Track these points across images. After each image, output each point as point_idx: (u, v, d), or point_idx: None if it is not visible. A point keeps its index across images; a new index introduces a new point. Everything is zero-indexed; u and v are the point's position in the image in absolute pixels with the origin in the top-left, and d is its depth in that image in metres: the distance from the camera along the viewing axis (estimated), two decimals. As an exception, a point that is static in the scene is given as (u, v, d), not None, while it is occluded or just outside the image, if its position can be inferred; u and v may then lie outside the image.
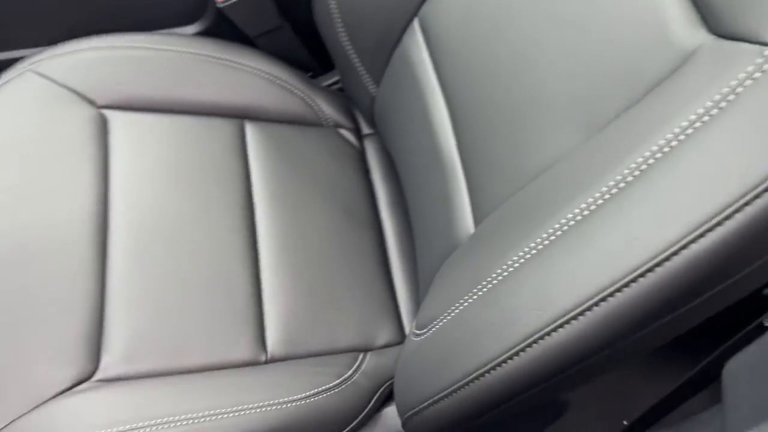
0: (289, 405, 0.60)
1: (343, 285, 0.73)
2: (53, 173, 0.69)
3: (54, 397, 0.58)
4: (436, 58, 0.65)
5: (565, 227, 0.40)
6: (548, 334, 0.38)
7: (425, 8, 0.67)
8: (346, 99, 0.89)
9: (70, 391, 0.59)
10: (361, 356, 0.68)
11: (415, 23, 0.68)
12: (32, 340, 0.60)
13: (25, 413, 0.57)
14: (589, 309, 0.37)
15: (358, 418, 0.64)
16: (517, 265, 0.43)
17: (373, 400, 0.65)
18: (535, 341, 0.38)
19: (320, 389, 0.62)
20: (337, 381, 0.64)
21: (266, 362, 0.66)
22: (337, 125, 0.86)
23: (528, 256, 0.42)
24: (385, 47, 0.73)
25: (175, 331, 0.64)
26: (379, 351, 0.70)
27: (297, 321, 0.69)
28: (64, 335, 0.61)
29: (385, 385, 0.67)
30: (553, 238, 0.41)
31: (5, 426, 0.56)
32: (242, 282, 0.69)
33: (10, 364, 0.59)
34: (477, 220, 0.57)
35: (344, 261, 0.75)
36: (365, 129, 0.88)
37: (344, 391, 0.64)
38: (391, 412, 0.66)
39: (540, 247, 0.42)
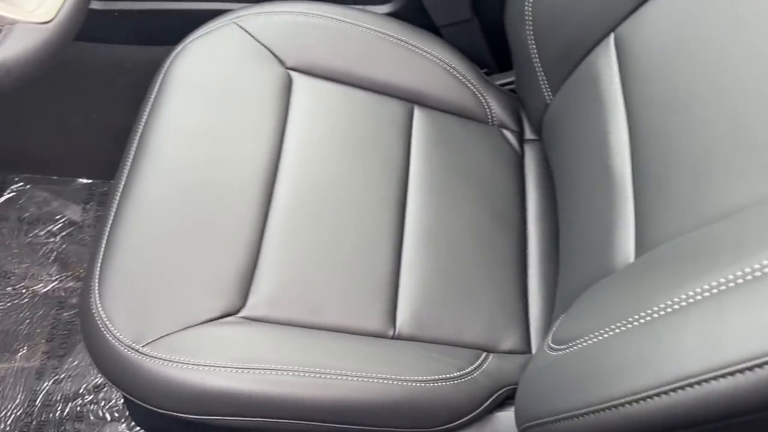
0: (409, 384, 0.62)
1: (478, 282, 0.74)
2: (239, 120, 0.75)
3: (203, 323, 0.64)
4: (627, 77, 0.63)
5: (749, 277, 0.39)
6: (711, 380, 0.36)
7: (625, 25, 0.65)
8: (516, 101, 0.89)
9: (218, 321, 0.64)
10: (483, 355, 0.69)
11: (611, 38, 0.67)
12: (194, 266, 0.66)
13: (175, 331, 0.63)
14: (760, 366, 0.35)
15: (470, 415, 0.64)
16: (685, 303, 0.41)
17: (488, 401, 0.65)
18: (693, 384, 0.37)
19: (441, 377, 0.64)
20: (458, 373, 0.65)
21: (392, 338, 0.68)
22: (502, 125, 0.86)
23: (699, 297, 0.41)
24: (572, 57, 0.72)
25: (315, 287, 0.68)
26: (502, 355, 0.70)
27: (428, 306, 0.70)
28: (222, 268, 0.66)
29: (503, 390, 0.67)
30: (732, 284, 0.39)
31: (157, 339, 0.62)
32: (384, 256, 0.71)
33: (170, 283, 0.66)
34: (639, 249, 0.55)
35: (483, 259, 0.76)
36: (529, 134, 0.88)
37: (462, 385, 0.64)
38: (503, 417, 0.67)
39: (715, 291, 0.40)
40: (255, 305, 0.66)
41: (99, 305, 0.64)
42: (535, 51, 0.76)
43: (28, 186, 1.19)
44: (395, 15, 0.90)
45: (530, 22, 0.75)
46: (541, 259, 0.78)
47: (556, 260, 0.75)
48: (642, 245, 0.55)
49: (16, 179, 1.20)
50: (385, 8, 0.90)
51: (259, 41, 0.81)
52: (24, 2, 0.53)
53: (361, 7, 0.89)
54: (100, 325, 0.63)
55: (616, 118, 0.63)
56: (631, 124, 0.62)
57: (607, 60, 0.67)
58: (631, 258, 0.56)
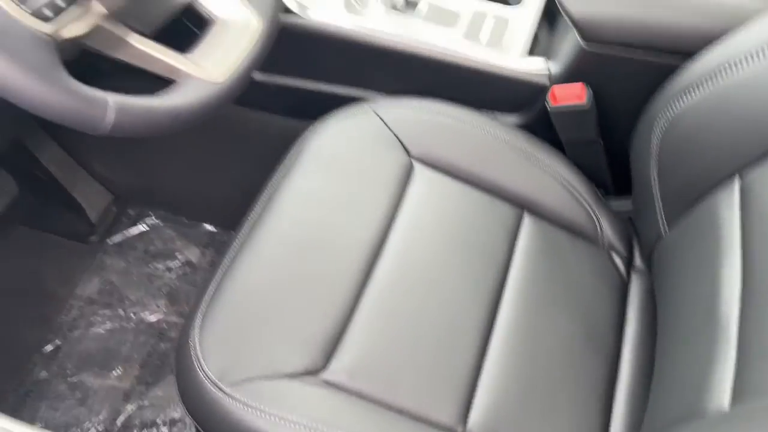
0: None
1: (561, 400, 0.72)
2: (359, 193, 0.80)
3: (285, 376, 0.67)
4: (748, 221, 0.62)
5: None
6: None
7: (752, 169, 0.65)
8: (629, 226, 0.88)
9: (298, 377, 0.67)
10: None
11: (735, 180, 0.66)
12: (288, 319, 0.70)
13: (258, 377, 0.66)
14: None
15: None
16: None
17: None
18: None
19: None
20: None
21: (461, 436, 0.67)
22: (612, 248, 0.86)
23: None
24: (693, 194, 0.72)
25: (396, 366, 0.69)
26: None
27: (504, 412, 0.69)
28: (313, 327, 0.69)
29: None
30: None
31: (240, 381, 0.66)
32: (468, 351, 0.72)
33: (263, 331, 0.69)
34: (735, 398, 0.53)
35: (569, 377, 0.74)
36: (638, 261, 0.86)
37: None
38: None
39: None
40: (336, 370, 0.68)
41: (196, 340, 0.69)
42: (657, 182, 0.77)
43: (159, 222, 1.31)
44: (523, 126, 0.94)
45: (656, 155, 0.76)
46: (630, 388, 0.75)
47: (646, 393, 0.72)
48: (739, 395, 0.52)
49: (151, 214, 1.32)
50: (514, 118, 0.95)
51: (390, 128, 0.87)
52: (202, 60, 0.62)
53: (490, 113, 0.93)
54: (193, 358, 0.67)
55: (731, 262, 0.62)
56: (746, 270, 0.60)
57: (729, 201, 0.66)
58: (726, 407, 0.53)
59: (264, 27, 0.67)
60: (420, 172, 0.85)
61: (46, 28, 0.49)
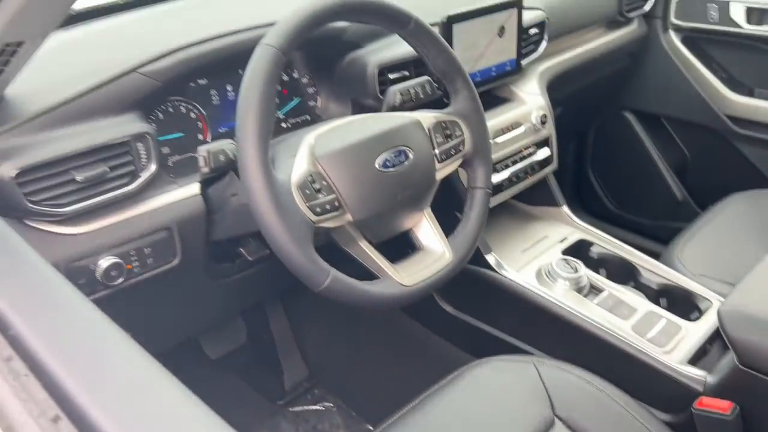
0: None
1: None
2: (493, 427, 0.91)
3: None
4: None
5: None
6: None
7: None
8: None
9: None
10: None
11: None
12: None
13: None
14: None
15: None
16: None
17: None
18: None
19: None
20: None
21: None
22: None
23: None
24: None
25: None
26: None
27: None
28: None
29: None
30: None
31: None
32: None
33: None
34: None
35: None
36: None
37: None
38: None
39: None
40: None
41: None
42: None
43: (333, 407, 1.50)
44: (671, 425, 0.97)
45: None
46: None
47: None
48: None
49: (330, 399, 1.52)
50: (664, 416, 1.00)
51: (543, 382, 0.98)
52: (401, 270, 0.84)
53: (644, 406, 0.99)
54: None
55: None
56: None
57: None
58: None
59: (454, 261, 0.88)
60: (559, 429, 0.93)
61: (313, 218, 0.77)
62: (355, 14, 0.83)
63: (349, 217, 0.80)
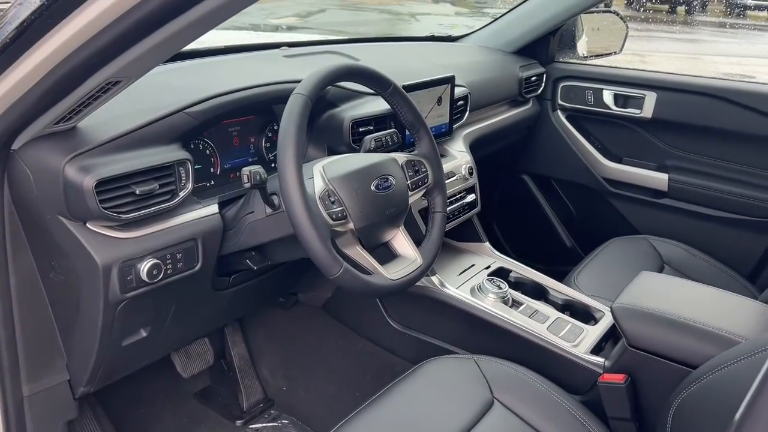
0: None
1: None
2: (439, 415, 1.15)
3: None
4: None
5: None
6: None
7: None
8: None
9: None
10: None
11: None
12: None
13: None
14: None
15: None
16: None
17: None
18: None
19: None
20: None
21: None
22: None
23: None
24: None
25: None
26: None
27: None
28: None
29: None
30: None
31: None
32: None
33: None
34: None
35: None
36: None
37: None
38: None
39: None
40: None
41: None
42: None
43: (290, 425, 1.67)
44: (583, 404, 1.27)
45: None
46: None
47: None
48: None
49: (287, 418, 1.69)
50: (577, 397, 1.29)
51: (483, 375, 1.23)
52: (389, 268, 1.09)
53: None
54: None
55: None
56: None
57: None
58: None
59: (425, 264, 1.14)
60: (498, 408, 1.18)
61: (330, 221, 1.00)
62: (356, 77, 1.11)
63: (351, 225, 1.05)
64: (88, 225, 0.98)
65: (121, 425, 1.50)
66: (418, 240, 1.19)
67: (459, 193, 1.61)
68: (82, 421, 1.33)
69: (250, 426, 1.66)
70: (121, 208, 0.97)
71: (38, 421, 1.11)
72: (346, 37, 2.08)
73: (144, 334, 1.15)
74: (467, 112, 1.72)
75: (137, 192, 0.98)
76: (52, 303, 1.08)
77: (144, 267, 1.02)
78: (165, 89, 1.15)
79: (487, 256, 1.67)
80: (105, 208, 0.94)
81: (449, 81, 1.56)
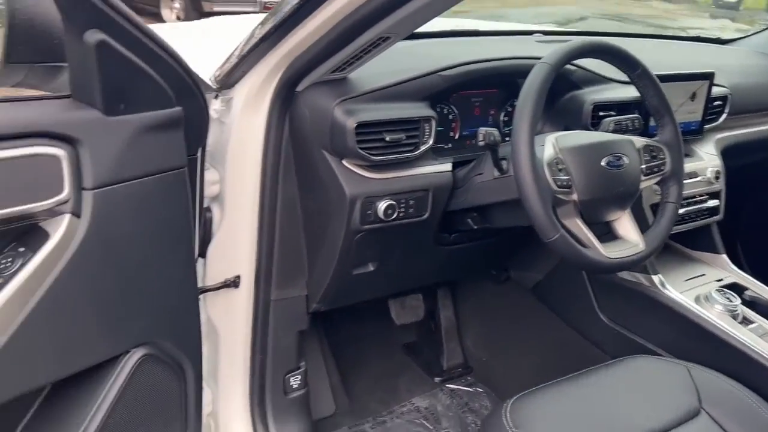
0: None
1: None
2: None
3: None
4: None
5: None
6: None
7: None
8: None
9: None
10: None
11: None
12: None
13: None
14: None
15: None
16: None
17: None
18: None
19: None
20: None
21: None
22: None
23: None
24: None
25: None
26: None
27: None
28: None
29: None
30: None
31: None
32: None
33: None
34: None
35: None
36: None
37: None
38: None
39: None
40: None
41: None
42: None
43: (484, 393, 1.73)
44: None
45: None
46: None
47: None
48: None
49: (480, 385, 1.76)
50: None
51: (694, 382, 1.16)
52: (608, 247, 1.08)
53: None
54: None
55: None
56: None
57: None
58: None
59: (647, 251, 1.11)
60: (703, 419, 1.10)
61: (554, 187, 1.01)
62: (604, 54, 1.13)
63: (575, 196, 1.07)
64: (343, 162, 1.14)
65: (336, 353, 1.70)
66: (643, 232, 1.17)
67: (699, 195, 1.51)
68: (310, 335, 1.55)
69: (447, 385, 1.76)
70: (372, 151, 1.12)
71: (279, 322, 1.32)
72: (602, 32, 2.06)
73: (371, 267, 1.30)
74: (724, 114, 1.61)
75: (387, 139, 1.12)
76: (305, 225, 1.28)
77: (382, 205, 1.16)
78: (420, 56, 1.28)
79: (722, 269, 1.54)
80: (360, 148, 1.09)
81: (707, 77, 1.48)
